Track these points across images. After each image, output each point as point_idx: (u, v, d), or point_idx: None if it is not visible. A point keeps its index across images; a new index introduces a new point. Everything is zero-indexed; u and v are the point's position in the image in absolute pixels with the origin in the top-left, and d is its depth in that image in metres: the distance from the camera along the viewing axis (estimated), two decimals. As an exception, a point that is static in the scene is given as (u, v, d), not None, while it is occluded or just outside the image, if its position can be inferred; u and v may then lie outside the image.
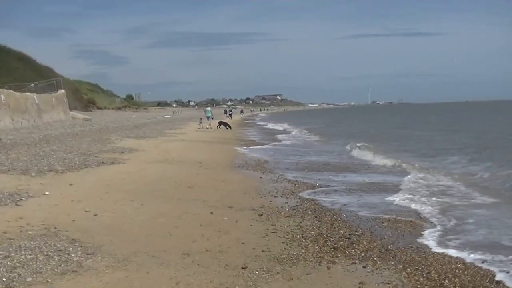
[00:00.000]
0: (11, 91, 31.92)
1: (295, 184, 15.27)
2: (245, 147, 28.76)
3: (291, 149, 29.29)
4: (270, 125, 65.43)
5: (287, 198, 12.99)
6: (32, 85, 43.43)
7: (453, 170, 19.17)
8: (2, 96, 28.50)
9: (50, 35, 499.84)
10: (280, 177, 16.77)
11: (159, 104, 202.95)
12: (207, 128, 47.21)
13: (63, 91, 43.89)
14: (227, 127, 47.09)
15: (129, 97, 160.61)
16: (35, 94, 35.65)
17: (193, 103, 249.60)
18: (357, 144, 28.01)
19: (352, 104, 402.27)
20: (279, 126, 60.69)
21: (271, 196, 13.17)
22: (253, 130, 52.41)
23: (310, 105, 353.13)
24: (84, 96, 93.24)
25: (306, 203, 12.29)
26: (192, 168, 17.63)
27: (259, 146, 30.23)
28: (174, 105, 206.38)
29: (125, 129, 36.81)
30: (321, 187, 14.96)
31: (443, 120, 71.46)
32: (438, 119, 73.19)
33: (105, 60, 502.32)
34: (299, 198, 12.97)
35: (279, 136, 41.51)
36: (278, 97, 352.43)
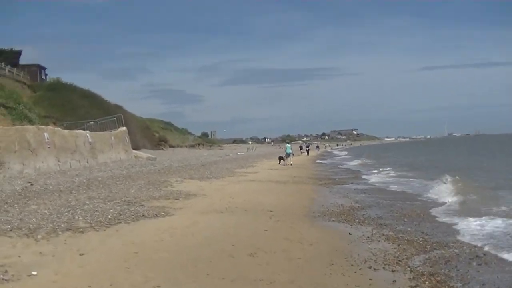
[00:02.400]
0: (58, 128, 29.14)
1: (398, 244, 10.95)
2: (325, 187, 24.53)
3: (380, 189, 24.79)
4: (351, 163, 60.86)
5: (393, 271, 8.72)
6: (92, 122, 40.90)
7: None
8: (46, 135, 25.41)
9: (124, 76, 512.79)
10: (375, 232, 12.48)
11: (234, 141, 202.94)
12: (290, 164, 44.40)
13: (124, 128, 41.00)
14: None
15: (204, 135, 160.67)
16: (88, 132, 32.70)
17: (268, 139, 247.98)
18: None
19: (428, 136, 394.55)
20: (360, 164, 55.94)
21: (369, 267, 8.94)
22: (331, 167, 47.94)
23: (386, 138, 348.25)
24: (156, 134, 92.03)
25: (425, 282, 8.01)
26: (259, 221, 13.56)
27: (340, 186, 25.92)
28: (250, 142, 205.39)
29: (190, 169, 33.24)
30: (435, 249, 10.56)
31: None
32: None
33: (179, 99, 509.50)
34: (410, 271, 8.68)
35: (363, 175, 36.98)
36: (353, 131, 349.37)
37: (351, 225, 13.50)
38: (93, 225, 11.65)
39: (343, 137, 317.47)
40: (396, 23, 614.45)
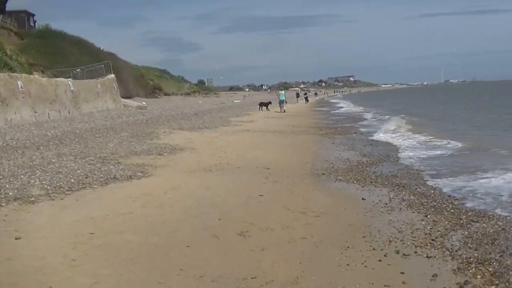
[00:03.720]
0: (35, 76, 26.64)
1: (425, 214, 8.80)
2: (326, 139, 22.36)
3: (387, 140, 22.62)
4: (351, 109, 58.63)
5: (428, 258, 6.60)
6: (78, 70, 38.23)
7: None
8: (20, 83, 22.85)
9: (122, 24, 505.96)
10: (392, 195, 10.35)
11: (231, 88, 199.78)
12: (283, 111, 43.18)
13: (112, 75, 38.30)
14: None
15: (201, 83, 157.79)
16: (70, 79, 30.08)
17: (265, 86, 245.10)
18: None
19: (425, 83, 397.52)
20: (360, 110, 53.63)
21: (396, 252, 6.82)
22: (331, 115, 45.67)
23: (383, 85, 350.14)
24: (150, 82, 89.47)
25: (476, 276, 5.91)
26: (253, 182, 11.39)
27: (342, 136, 23.74)
28: (247, 90, 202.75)
29: (182, 118, 30.91)
30: (473, 221, 8.40)
31: None
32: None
33: (177, 47, 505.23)
34: (451, 258, 6.56)
35: (364, 122, 34.76)
36: (351, 78, 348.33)
37: (362, 186, 11.36)
38: (49, 192, 9.45)
39: (340, 83, 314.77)
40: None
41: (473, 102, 60.32)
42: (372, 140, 22.41)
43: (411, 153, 17.34)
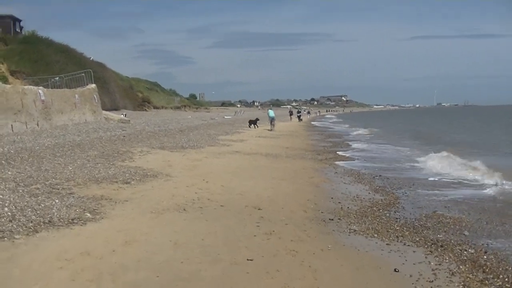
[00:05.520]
0: (-2, 83, 23.54)
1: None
2: (327, 165, 19.41)
3: (396, 168, 19.69)
4: (347, 129, 55.79)
5: None
6: (57, 78, 35.16)
7: None
8: (-26, 90, 19.69)
9: (116, 35, 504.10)
10: (434, 262, 7.41)
11: (223, 104, 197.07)
12: (269, 130, 40.99)
13: (93, 85, 35.07)
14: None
15: (192, 97, 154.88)
16: (41, 88, 26.89)
17: (257, 103, 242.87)
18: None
19: (417, 106, 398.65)
20: (357, 131, 50.77)
21: None
22: (328, 135, 42.73)
23: (375, 106, 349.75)
24: (139, 94, 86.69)
25: None
26: (239, 233, 8.36)
27: (345, 163, 20.81)
28: (239, 105, 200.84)
29: (165, 135, 27.86)
30: None
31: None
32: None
33: (170, 60, 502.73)
34: None
35: (363, 145, 31.85)
36: (343, 98, 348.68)
37: (387, 244, 8.36)
38: None
39: (333, 103, 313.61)
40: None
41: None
42: (381, 168, 19.51)
43: (435, 192, 14.12)
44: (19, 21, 66.85)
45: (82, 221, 8.39)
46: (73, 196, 10.34)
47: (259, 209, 10.35)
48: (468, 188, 14.98)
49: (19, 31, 65.05)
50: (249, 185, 13.37)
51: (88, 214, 8.90)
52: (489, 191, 14.20)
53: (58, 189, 10.96)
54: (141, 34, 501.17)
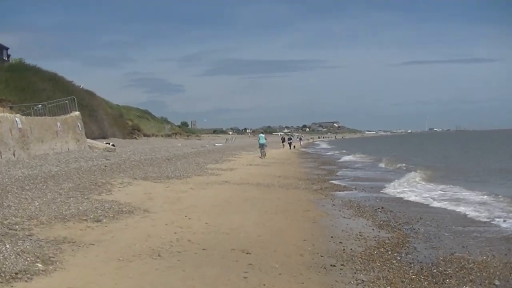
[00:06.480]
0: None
1: None
2: (323, 197, 17.87)
3: (397, 198, 18.16)
4: (341, 155, 54.35)
5: None
6: (40, 106, 33.61)
7: None
8: None
9: (108, 64, 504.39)
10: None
11: (215, 131, 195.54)
12: (260, 157, 39.87)
13: (77, 113, 33.50)
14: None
15: (184, 124, 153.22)
16: (18, 115, 25.32)
17: (249, 130, 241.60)
18: None
19: (409, 131, 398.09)
20: (351, 158, 49.31)
21: None
22: (321, 164, 41.22)
23: (367, 132, 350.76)
24: (129, 122, 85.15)
25: None
26: (220, 287, 6.82)
27: (343, 193, 19.29)
28: (230, 133, 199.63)
29: (151, 164, 26.26)
30: None
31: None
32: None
33: (161, 88, 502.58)
34: None
35: (358, 173, 30.32)
36: (335, 124, 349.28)
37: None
38: None
39: (324, 129, 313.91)
40: (381, 16, 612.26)
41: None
42: (381, 198, 18.02)
43: (447, 234, 12.31)
44: (6, 49, 65.57)
45: (28, 275, 6.79)
46: (31, 239, 8.77)
47: (247, 253, 8.79)
48: (480, 226, 13.45)
49: (6, 59, 63.77)
50: (237, 221, 11.81)
51: (39, 265, 7.29)
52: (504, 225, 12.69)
53: (16, 230, 9.38)
54: (133, 63, 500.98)
